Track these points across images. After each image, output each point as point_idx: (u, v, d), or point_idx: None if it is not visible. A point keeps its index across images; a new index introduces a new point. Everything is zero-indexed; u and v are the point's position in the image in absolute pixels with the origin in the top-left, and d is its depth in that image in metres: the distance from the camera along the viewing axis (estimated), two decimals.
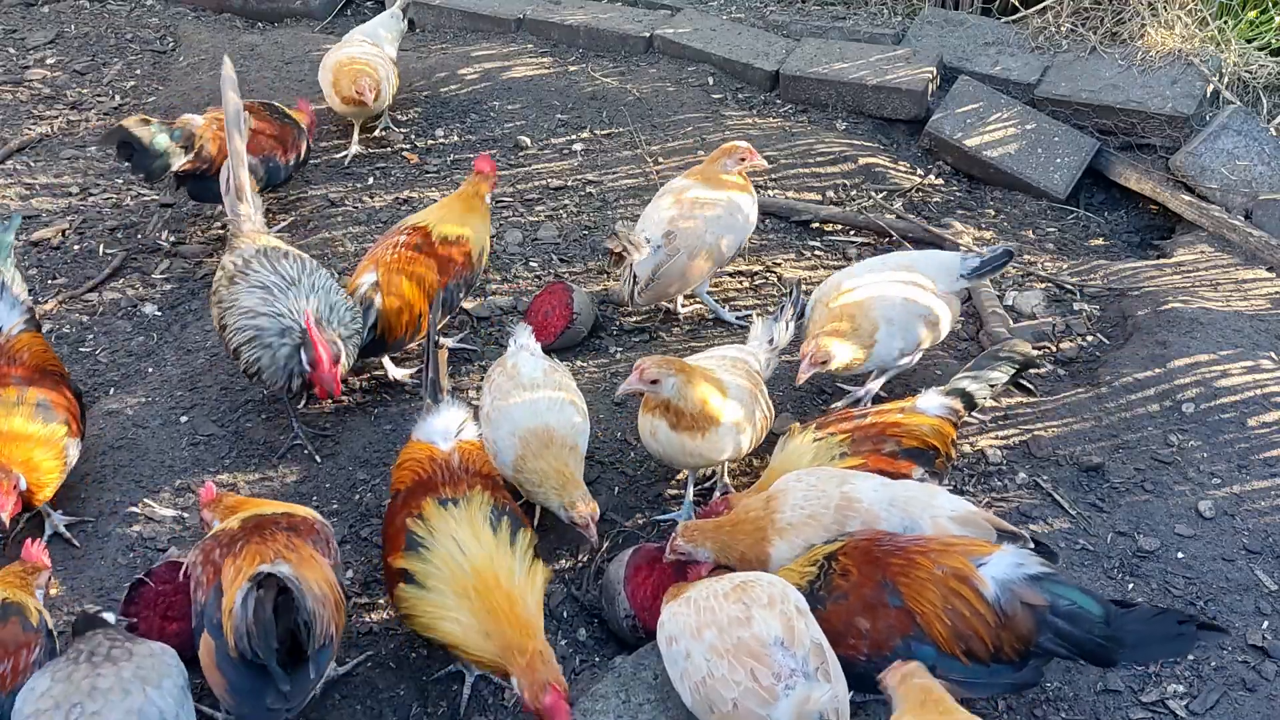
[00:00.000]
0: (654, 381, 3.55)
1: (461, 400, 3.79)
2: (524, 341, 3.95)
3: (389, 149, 6.01)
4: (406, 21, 6.45)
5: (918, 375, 4.52)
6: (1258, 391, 4.35)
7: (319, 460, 4.16)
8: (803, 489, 3.33)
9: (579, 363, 4.66)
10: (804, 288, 4.40)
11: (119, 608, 3.35)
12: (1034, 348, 4.73)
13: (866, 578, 3.03)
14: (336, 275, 4.67)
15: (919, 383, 4.46)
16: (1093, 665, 3.05)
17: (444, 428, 3.60)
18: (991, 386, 3.84)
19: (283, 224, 5.43)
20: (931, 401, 3.73)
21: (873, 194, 5.63)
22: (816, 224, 5.48)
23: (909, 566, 3.01)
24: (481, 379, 4.16)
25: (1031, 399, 4.43)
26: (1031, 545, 3.21)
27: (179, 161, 5.00)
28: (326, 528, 3.36)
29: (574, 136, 6.08)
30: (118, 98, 6.68)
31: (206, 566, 3.09)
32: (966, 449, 4.20)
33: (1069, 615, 2.89)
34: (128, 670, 2.82)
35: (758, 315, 4.29)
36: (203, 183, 5.12)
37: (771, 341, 4.08)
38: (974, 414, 4.12)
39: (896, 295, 4.10)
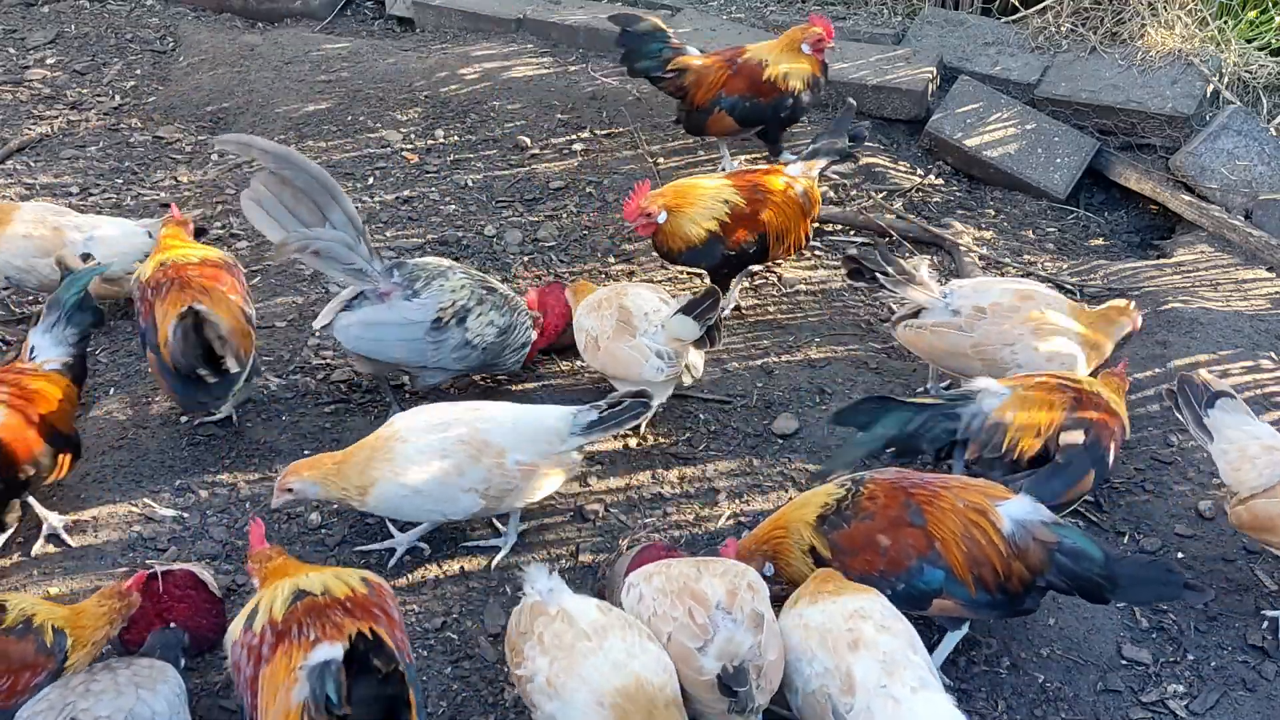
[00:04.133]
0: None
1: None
2: (551, 583, 3.08)
3: (389, 149, 6.01)
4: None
5: (917, 376, 4.53)
6: (1258, 391, 4.35)
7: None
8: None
9: (579, 363, 4.66)
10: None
11: None
12: None
13: (893, 500, 3.28)
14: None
15: (918, 384, 4.47)
16: (1087, 600, 3.24)
17: None
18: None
19: None
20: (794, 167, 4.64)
21: (873, 194, 5.63)
22: (816, 224, 5.47)
23: (933, 498, 3.25)
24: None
25: None
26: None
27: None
28: (236, 267, 4.26)
29: (574, 136, 6.08)
30: (118, 98, 6.69)
31: (143, 304, 4.03)
32: None
33: (1073, 553, 3.14)
34: (123, 676, 2.90)
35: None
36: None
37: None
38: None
39: None
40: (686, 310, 3.95)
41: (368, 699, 2.58)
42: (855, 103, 5.25)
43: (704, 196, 4.53)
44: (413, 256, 4.43)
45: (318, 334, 4.44)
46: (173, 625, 3.34)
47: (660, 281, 5.10)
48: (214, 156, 6.05)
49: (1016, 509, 3.22)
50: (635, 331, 4.05)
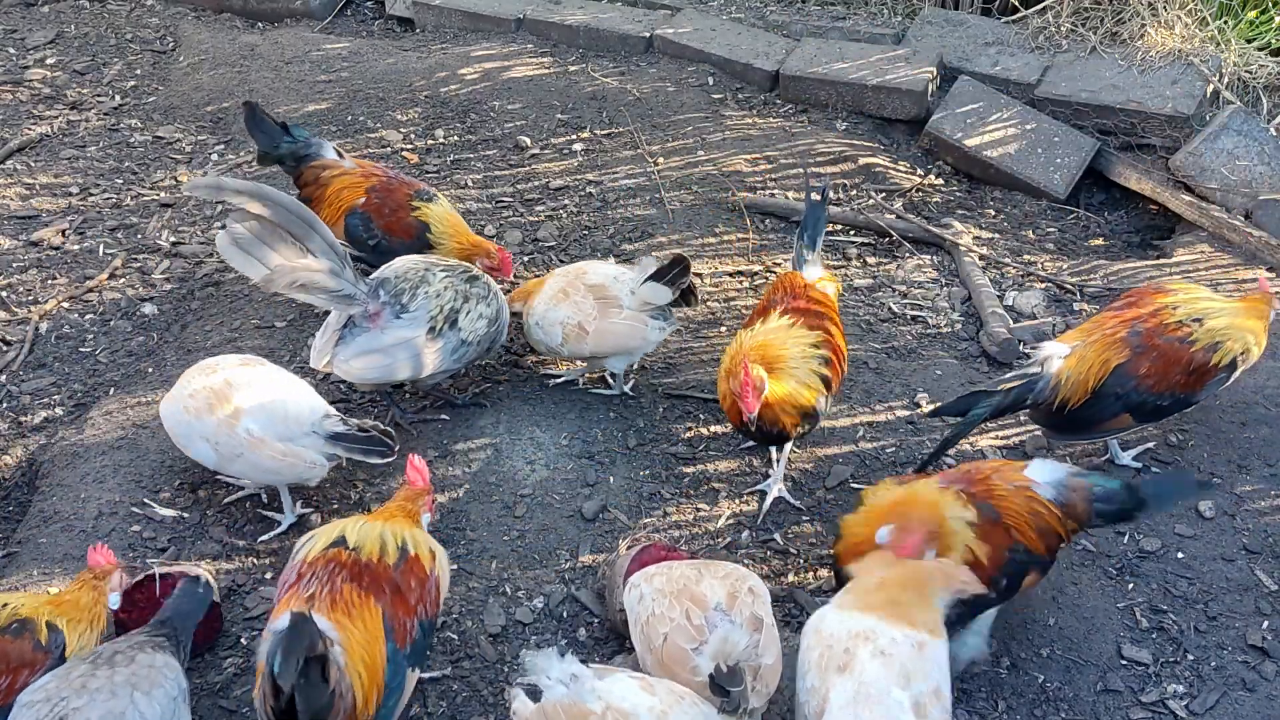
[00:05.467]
0: None
1: None
2: (570, 668, 2.78)
3: (389, 149, 6.02)
4: None
5: (917, 376, 4.53)
6: (1257, 392, 4.35)
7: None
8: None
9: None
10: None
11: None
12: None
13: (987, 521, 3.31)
14: None
15: (918, 384, 4.47)
16: (1124, 523, 3.60)
17: None
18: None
19: None
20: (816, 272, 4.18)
21: (873, 194, 5.63)
22: None
23: (990, 488, 3.34)
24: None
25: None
26: None
27: None
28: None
29: (574, 136, 6.08)
30: (118, 98, 6.69)
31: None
32: (966, 448, 4.20)
33: (1106, 496, 3.33)
34: (121, 675, 2.87)
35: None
36: None
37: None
38: None
39: None
40: (656, 277, 4.06)
41: (308, 694, 2.64)
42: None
43: (792, 353, 3.77)
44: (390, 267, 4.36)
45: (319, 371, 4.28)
46: (200, 579, 3.41)
47: None
48: (213, 157, 6.06)
49: (1042, 474, 3.35)
50: (619, 302, 4.11)
